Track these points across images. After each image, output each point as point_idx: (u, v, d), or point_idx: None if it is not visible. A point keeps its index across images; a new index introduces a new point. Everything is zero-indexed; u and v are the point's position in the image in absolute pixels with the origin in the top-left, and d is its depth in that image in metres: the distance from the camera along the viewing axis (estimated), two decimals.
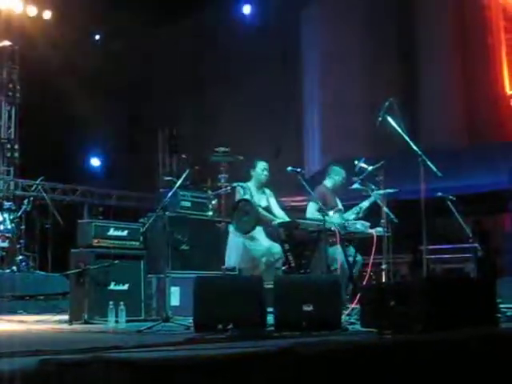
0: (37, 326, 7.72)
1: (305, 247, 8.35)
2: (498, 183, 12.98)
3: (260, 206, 8.38)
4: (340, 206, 9.19)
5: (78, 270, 8.49)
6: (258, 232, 8.39)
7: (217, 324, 6.25)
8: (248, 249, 8.34)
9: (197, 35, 17.71)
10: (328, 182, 9.33)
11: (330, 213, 8.74)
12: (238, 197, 8.38)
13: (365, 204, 8.82)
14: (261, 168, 8.51)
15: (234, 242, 8.35)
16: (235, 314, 6.32)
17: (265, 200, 8.50)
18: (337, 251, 8.33)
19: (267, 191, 8.63)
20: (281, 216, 8.49)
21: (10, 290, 11.10)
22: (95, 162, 18.01)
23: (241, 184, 8.44)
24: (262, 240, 8.41)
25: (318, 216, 8.30)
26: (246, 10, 17.92)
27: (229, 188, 8.18)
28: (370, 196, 8.59)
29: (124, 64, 18.20)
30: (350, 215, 8.96)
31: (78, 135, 16.93)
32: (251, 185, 8.51)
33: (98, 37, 18.63)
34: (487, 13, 17.08)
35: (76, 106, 16.91)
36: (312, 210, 8.80)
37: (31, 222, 13.93)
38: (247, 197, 8.30)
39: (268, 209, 8.49)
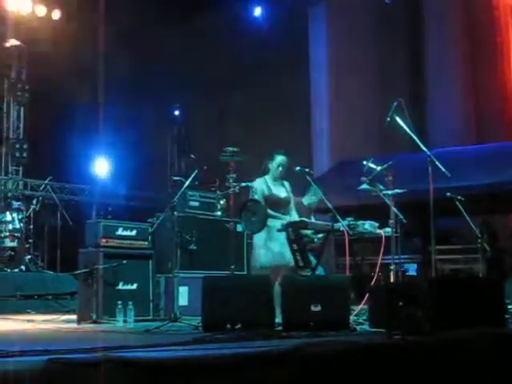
0: (45, 326, 7.74)
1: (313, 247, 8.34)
2: (506, 183, 12.95)
3: (279, 197, 8.33)
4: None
5: (86, 270, 8.50)
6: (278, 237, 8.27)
7: (225, 324, 6.26)
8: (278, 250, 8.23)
9: (205, 36, 17.71)
10: (304, 200, 9.26)
11: None
12: (253, 196, 8.31)
13: None
14: (277, 163, 8.41)
15: (267, 241, 8.22)
16: (243, 314, 6.33)
17: (284, 192, 8.43)
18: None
19: (286, 184, 8.57)
20: (294, 218, 8.42)
21: (19, 289, 11.13)
22: (104, 161, 17.99)
23: (256, 181, 8.38)
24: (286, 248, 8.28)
25: None
26: (257, 12, 17.92)
27: (237, 188, 8.14)
28: (378, 196, 8.54)
29: (131, 63, 18.20)
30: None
31: (87, 135, 16.93)
32: (268, 178, 8.43)
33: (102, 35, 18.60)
34: (495, 11, 17.05)
35: (84, 106, 16.93)
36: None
37: (40, 222, 13.95)
38: (265, 192, 8.26)
39: (288, 200, 8.43)
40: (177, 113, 17.85)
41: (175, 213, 8.37)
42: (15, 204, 13.35)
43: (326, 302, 6.39)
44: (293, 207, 8.50)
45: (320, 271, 8.43)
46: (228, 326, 6.23)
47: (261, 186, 8.29)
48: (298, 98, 17.72)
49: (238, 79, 17.66)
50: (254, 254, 8.18)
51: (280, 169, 8.40)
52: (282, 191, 8.40)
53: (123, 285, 8.73)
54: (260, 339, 5.40)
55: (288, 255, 7.97)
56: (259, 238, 8.11)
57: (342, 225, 8.15)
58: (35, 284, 11.68)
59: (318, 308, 6.35)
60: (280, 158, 8.36)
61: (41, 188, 15.64)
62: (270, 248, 8.05)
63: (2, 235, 12.69)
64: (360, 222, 8.60)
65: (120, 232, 8.97)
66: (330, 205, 8.53)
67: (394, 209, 8.15)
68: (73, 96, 16.62)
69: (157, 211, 10.07)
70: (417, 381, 4.31)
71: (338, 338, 5.26)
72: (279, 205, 8.26)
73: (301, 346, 4.05)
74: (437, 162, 7.54)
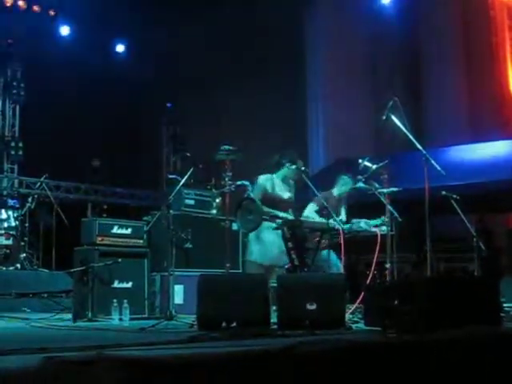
0: (40, 324, 7.72)
1: (308, 246, 8.35)
2: (501, 181, 12.96)
3: (282, 197, 8.40)
4: (343, 216, 9.15)
5: (81, 268, 8.50)
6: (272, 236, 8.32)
7: (220, 322, 6.25)
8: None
9: (201, 33, 17.70)
10: (335, 191, 9.36)
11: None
12: (248, 194, 8.33)
13: (361, 225, 8.75)
14: (299, 166, 8.48)
15: (272, 238, 8.28)
16: (239, 313, 6.32)
17: (288, 193, 8.51)
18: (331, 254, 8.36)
19: (293, 186, 8.65)
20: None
21: (14, 287, 11.11)
22: (99, 159, 17.96)
23: (261, 176, 8.43)
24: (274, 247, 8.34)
25: (314, 216, 8.44)
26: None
27: (233, 186, 8.14)
28: (374, 194, 8.55)
29: (128, 63, 18.20)
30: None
31: (82, 133, 16.92)
32: (276, 176, 8.50)
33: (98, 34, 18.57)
34: (491, 11, 17.06)
35: (80, 104, 16.91)
36: (310, 210, 8.84)
37: (35, 220, 13.93)
38: (268, 189, 8.33)
39: (290, 202, 8.50)
40: (168, 105, 17.83)
41: (171, 211, 8.37)
42: (10, 202, 13.32)
43: (321, 300, 6.38)
44: (292, 210, 8.57)
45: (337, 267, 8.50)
46: (223, 324, 6.23)
47: (265, 182, 8.35)
48: (294, 97, 17.71)
49: (234, 78, 17.65)
50: (249, 248, 8.25)
51: (298, 175, 8.47)
52: (286, 193, 8.46)
53: (118, 283, 8.73)
54: (255, 338, 5.39)
55: (284, 256, 8.02)
56: (255, 234, 8.17)
57: (337, 223, 8.17)
58: (30, 282, 11.66)
59: (314, 306, 6.35)
60: (301, 164, 8.45)
61: (36, 186, 15.63)
62: (267, 246, 8.09)
63: None
64: (355, 221, 8.62)
65: (115, 230, 8.97)
66: (325, 203, 8.55)
67: (389, 207, 8.16)
68: (68, 94, 16.61)
69: (152, 209, 10.07)
70: (412, 379, 4.31)
71: (333, 337, 5.26)
72: (279, 205, 8.30)
73: (296, 345, 4.05)
74: (432, 161, 7.55)
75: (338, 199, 9.26)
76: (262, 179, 8.36)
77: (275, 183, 8.40)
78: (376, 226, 8.49)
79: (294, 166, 8.40)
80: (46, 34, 16.53)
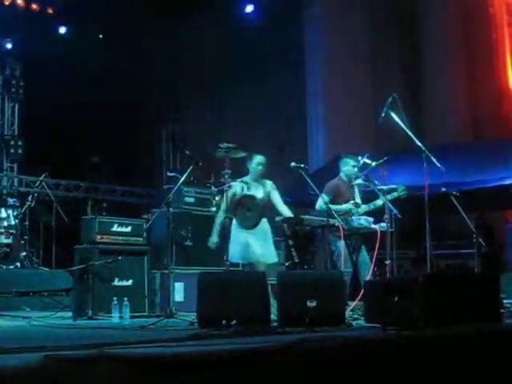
0: (41, 322, 7.73)
1: (309, 243, 8.36)
2: (501, 179, 12.95)
3: (256, 197, 8.37)
4: (358, 199, 9.08)
5: (81, 266, 8.50)
6: (262, 233, 8.34)
7: (221, 320, 6.25)
8: (248, 246, 8.30)
9: (201, 33, 17.71)
10: (342, 175, 9.24)
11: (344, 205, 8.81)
12: (229, 194, 8.31)
13: (378, 202, 8.74)
14: (256, 162, 8.49)
15: (236, 236, 8.33)
16: (239, 310, 6.32)
17: (261, 192, 8.48)
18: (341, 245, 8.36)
19: (268, 184, 8.59)
20: (284, 212, 8.44)
21: (14, 286, 11.11)
22: (98, 157, 17.95)
23: (237, 180, 8.46)
24: (260, 243, 8.35)
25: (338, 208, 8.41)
26: (249, 8, 17.77)
27: (227, 186, 8.15)
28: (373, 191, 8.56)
29: (127, 61, 18.19)
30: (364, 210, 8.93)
31: (82, 131, 16.92)
32: (248, 178, 8.51)
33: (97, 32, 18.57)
34: (490, 8, 17.05)
35: (79, 102, 16.90)
36: (320, 203, 8.68)
37: (35, 219, 13.93)
38: (236, 194, 8.33)
39: (263, 201, 8.47)
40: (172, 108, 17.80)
41: (170, 209, 8.38)
42: (10, 201, 13.31)
43: (321, 297, 6.38)
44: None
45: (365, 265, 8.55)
46: (223, 322, 6.23)
47: (235, 187, 8.36)
48: (294, 96, 17.70)
49: (235, 76, 17.67)
50: (230, 249, 8.25)
51: (260, 167, 8.48)
52: (259, 192, 8.45)
53: (118, 281, 8.73)
54: (255, 335, 5.39)
55: (258, 250, 8.07)
56: (232, 234, 8.21)
57: (338, 220, 8.16)
58: (30, 281, 11.65)
59: (314, 303, 6.34)
60: (259, 157, 8.48)
61: (36, 184, 15.63)
62: (241, 244, 8.13)
63: None
64: (355, 217, 8.61)
65: (115, 228, 8.98)
66: (326, 198, 8.54)
67: (388, 204, 8.15)
68: (67, 92, 16.61)
69: (152, 207, 10.08)
70: (411, 376, 4.32)
71: (333, 334, 5.26)
72: (252, 205, 8.28)
73: (296, 342, 4.05)
74: (432, 158, 7.55)
75: (347, 183, 9.14)
76: (234, 185, 8.40)
77: (250, 184, 8.44)
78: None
79: (253, 163, 8.48)
80: (45, 33, 16.51)
